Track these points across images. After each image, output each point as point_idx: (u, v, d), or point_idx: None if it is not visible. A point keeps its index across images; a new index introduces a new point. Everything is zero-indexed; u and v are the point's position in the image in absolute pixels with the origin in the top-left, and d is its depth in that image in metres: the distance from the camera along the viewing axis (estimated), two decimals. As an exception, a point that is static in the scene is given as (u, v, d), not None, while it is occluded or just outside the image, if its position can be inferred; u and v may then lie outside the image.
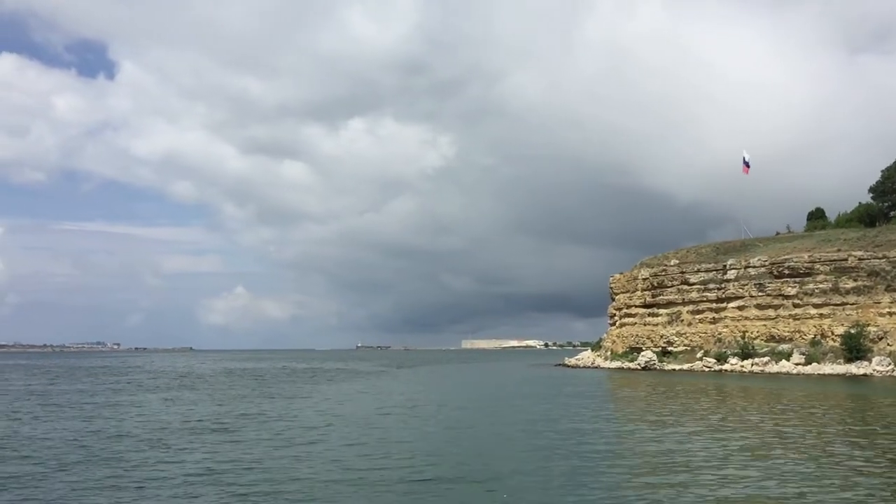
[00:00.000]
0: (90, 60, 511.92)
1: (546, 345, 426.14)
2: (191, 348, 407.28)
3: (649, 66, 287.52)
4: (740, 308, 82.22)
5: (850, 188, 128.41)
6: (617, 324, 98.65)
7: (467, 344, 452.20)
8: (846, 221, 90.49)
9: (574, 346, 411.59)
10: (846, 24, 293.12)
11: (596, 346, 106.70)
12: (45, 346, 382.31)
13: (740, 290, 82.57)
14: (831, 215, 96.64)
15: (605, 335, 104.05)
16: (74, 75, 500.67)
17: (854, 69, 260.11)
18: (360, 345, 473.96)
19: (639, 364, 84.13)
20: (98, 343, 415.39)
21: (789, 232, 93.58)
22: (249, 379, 72.89)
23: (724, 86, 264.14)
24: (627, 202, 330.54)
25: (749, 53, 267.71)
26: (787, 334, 77.51)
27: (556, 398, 45.03)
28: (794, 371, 70.59)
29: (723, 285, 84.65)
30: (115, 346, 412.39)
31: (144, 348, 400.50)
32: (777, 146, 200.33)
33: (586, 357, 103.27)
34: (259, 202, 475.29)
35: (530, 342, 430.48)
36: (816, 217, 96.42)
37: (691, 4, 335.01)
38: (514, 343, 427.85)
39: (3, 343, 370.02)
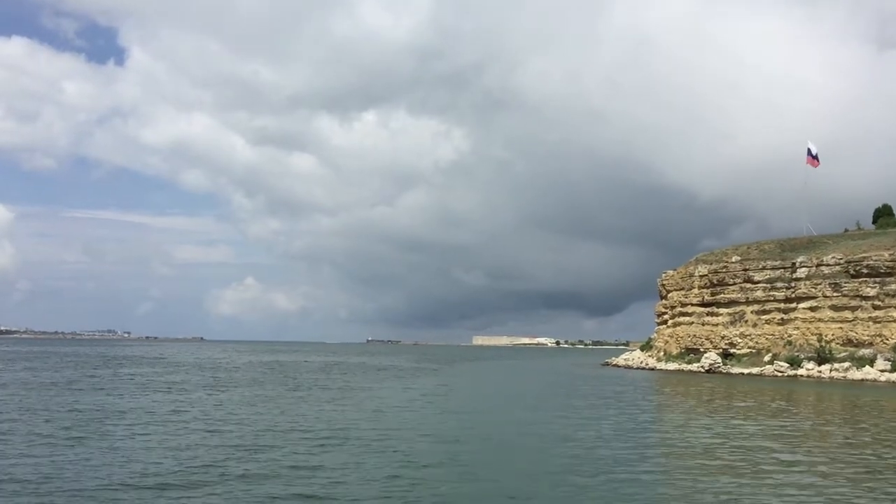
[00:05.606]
0: (100, 46, 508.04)
1: (557, 343, 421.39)
2: (202, 338, 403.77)
3: (675, 57, 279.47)
4: (812, 309, 76.81)
5: (886, 186, 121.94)
6: (669, 323, 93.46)
7: (478, 340, 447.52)
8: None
9: (586, 344, 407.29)
10: (880, 17, 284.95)
11: (645, 346, 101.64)
12: (56, 332, 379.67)
13: (812, 290, 77.17)
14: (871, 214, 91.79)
15: (654, 334, 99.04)
16: (84, 60, 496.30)
17: (884, 65, 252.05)
18: (370, 338, 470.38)
19: (702, 366, 78.95)
20: (109, 331, 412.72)
21: (859, 229, 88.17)
22: (354, 373, 69.02)
23: (752, 78, 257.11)
24: (646, 199, 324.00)
25: (779, 46, 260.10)
26: (866, 338, 72.13)
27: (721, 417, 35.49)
28: (882, 378, 65.34)
29: (792, 284, 79.29)
30: (126, 335, 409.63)
31: (155, 337, 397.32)
32: (807, 142, 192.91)
33: (636, 357, 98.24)
34: (269, 193, 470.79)
35: (542, 340, 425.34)
36: (885, 214, 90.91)
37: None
38: (526, 340, 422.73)
39: (15, 329, 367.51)
